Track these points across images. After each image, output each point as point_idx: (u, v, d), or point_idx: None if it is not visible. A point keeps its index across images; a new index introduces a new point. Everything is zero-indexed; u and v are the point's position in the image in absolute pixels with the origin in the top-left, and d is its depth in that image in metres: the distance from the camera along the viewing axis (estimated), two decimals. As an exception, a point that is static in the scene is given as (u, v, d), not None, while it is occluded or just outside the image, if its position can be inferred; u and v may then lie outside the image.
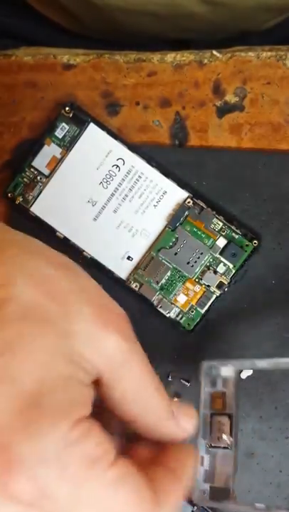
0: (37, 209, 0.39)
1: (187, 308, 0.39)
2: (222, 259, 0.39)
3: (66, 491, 0.20)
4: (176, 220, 0.39)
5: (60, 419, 0.20)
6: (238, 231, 0.39)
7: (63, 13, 0.48)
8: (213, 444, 0.34)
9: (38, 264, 0.22)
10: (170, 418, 0.25)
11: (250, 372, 0.41)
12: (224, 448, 0.34)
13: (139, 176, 0.39)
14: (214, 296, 0.39)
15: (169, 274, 0.39)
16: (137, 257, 0.39)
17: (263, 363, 0.34)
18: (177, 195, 0.39)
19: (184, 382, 0.41)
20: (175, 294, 0.39)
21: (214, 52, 0.40)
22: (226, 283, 0.39)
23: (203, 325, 0.41)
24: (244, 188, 0.40)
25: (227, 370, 0.35)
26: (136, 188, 0.39)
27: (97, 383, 0.23)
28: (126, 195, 0.39)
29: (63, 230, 0.39)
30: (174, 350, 0.41)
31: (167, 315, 0.39)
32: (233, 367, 0.36)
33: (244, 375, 0.41)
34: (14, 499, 0.20)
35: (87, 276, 0.24)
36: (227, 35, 0.47)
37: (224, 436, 0.33)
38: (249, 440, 0.41)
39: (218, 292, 0.39)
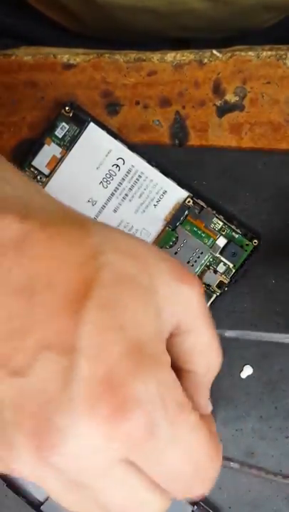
0: None
1: None
2: (222, 258, 0.39)
3: (166, 432, 0.21)
4: (176, 219, 0.39)
5: (161, 364, 0.22)
6: (238, 230, 0.39)
7: (63, 12, 0.48)
8: None
9: (117, 235, 0.25)
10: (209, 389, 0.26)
11: (250, 371, 0.41)
12: None
13: (139, 176, 0.39)
14: (214, 296, 0.39)
15: None
16: None
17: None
18: (177, 194, 0.39)
19: (184, 381, 0.41)
20: None
21: (214, 51, 0.40)
22: (226, 282, 0.39)
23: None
24: (244, 188, 0.40)
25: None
26: (136, 187, 0.39)
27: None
28: (126, 195, 0.39)
29: None
30: (174, 349, 0.41)
31: None
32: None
33: (244, 374, 0.41)
34: (125, 436, 0.20)
35: (157, 247, 0.26)
36: (227, 34, 0.47)
37: None
38: (249, 440, 0.41)
39: (218, 292, 0.39)
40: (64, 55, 0.41)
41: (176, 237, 0.39)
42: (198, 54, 0.40)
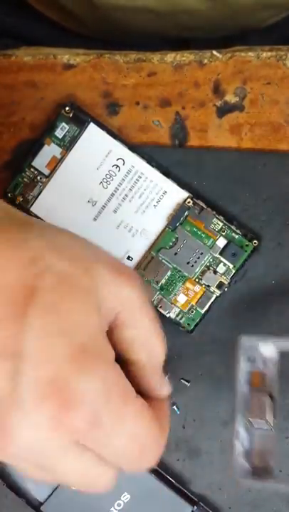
0: (37, 209, 0.39)
1: (187, 309, 0.39)
2: (222, 259, 0.39)
3: (110, 422, 0.24)
4: (176, 220, 0.39)
5: (103, 361, 0.24)
6: (238, 231, 0.39)
7: (63, 13, 0.48)
8: (252, 422, 0.34)
9: (57, 236, 0.26)
10: (161, 373, 0.29)
11: (250, 372, 0.41)
12: (265, 429, 0.34)
13: (139, 176, 0.39)
14: (214, 296, 0.39)
15: (169, 274, 0.39)
16: (137, 257, 0.39)
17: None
18: (177, 195, 0.39)
19: (184, 382, 0.41)
20: (175, 294, 0.39)
21: (214, 52, 0.40)
22: (226, 283, 0.39)
23: (203, 325, 0.41)
24: (244, 188, 0.40)
25: (267, 349, 0.35)
26: (136, 188, 0.39)
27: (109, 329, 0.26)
28: (126, 195, 0.39)
29: None
30: (174, 350, 0.41)
31: (167, 315, 0.39)
32: (274, 346, 0.35)
33: (244, 375, 0.41)
34: (70, 429, 0.23)
35: (96, 245, 0.28)
36: (227, 33, 0.47)
37: (267, 416, 0.33)
38: (249, 440, 0.41)
39: (218, 292, 0.39)
40: (64, 56, 0.41)
41: (176, 238, 0.39)
42: (198, 54, 0.40)
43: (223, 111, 0.40)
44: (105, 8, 0.44)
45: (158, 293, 0.39)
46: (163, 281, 0.39)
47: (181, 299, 0.39)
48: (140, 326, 0.27)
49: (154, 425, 0.26)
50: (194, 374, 0.41)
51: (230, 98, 0.40)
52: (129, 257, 0.39)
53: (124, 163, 0.39)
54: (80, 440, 0.24)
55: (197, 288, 0.39)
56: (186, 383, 0.41)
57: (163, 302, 0.39)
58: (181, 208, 0.39)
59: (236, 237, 0.39)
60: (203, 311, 0.39)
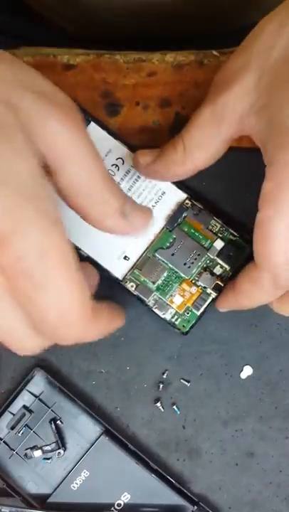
0: None
1: (183, 310, 0.39)
2: (219, 261, 0.39)
3: (40, 275, 0.23)
4: (174, 220, 0.39)
5: (41, 216, 0.23)
6: (235, 234, 0.39)
7: (58, 14, 0.48)
8: None
9: None
10: (117, 215, 0.28)
11: (250, 372, 0.41)
12: None
13: (138, 176, 0.39)
14: (210, 298, 0.39)
15: (165, 274, 0.39)
16: (133, 257, 0.39)
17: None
18: (176, 195, 0.39)
19: (184, 382, 0.41)
20: (171, 295, 0.39)
21: (214, 52, 0.40)
22: (223, 285, 0.39)
23: (203, 324, 0.41)
24: (244, 188, 0.40)
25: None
26: (134, 188, 0.39)
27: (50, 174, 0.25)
28: None
29: None
30: (174, 350, 0.41)
31: (162, 316, 0.39)
32: None
33: (244, 374, 0.41)
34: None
35: (28, 67, 0.25)
36: (223, 32, 0.47)
37: None
38: (249, 440, 0.41)
39: (214, 294, 0.39)
40: (64, 56, 0.41)
41: (174, 238, 0.39)
42: (198, 54, 0.40)
43: (223, 111, 0.40)
44: (90, 10, 0.44)
45: (154, 293, 0.39)
46: (159, 281, 0.39)
47: (177, 300, 0.39)
48: (72, 167, 0.25)
49: (83, 300, 0.25)
50: (194, 374, 0.41)
51: (230, 98, 0.40)
52: (125, 257, 0.39)
53: (123, 163, 0.39)
54: (10, 292, 0.24)
55: (193, 289, 0.39)
56: (186, 383, 0.41)
57: (159, 303, 0.39)
58: (180, 208, 0.39)
59: (234, 239, 0.39)
60: (198, 313, 0.39)
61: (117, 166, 0.39)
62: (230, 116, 0.31)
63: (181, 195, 0.39)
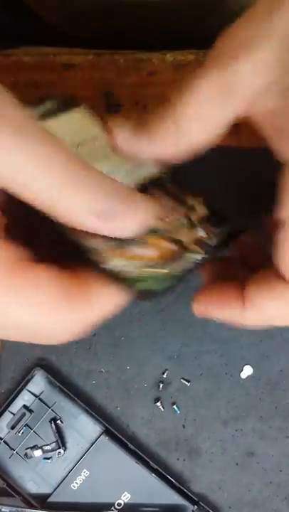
0: None
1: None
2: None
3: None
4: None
5: None
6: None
7: (57, 16, 0.48)
8: None
9: None
10: (90, 216, 0.22)
11: (250, 371, 0.41)
12: None
13: None
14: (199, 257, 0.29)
15: None
16: None
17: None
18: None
19: (184, 382, 0.41)
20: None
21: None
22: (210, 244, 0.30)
23: (202, 325, 0.41)
24: (243, 188, 0.40)
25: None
26: None
27: None
28: None
29: None
30: (174, 350, 0.41)
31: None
32: None
33: (244, 374, 0.41)
34: None
35: None
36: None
37: None
38: (249, 440, 0.41)
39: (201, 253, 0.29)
40: (64, 55, 0.41)
41: None
42: (198, 54, 0.40)
43: (223, 111, 0.40)
44: (88, 10, 0.44)
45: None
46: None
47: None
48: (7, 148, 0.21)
49: (39, 297, 0.23)
50: (194, 374, 0.41)
51: (230, 98, 0.40)
52: None
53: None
54: None
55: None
56: (186, 383, 0.41)
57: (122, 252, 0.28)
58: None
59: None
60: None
61: None
62: (243, 90, 0.24)
63: None
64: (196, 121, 0.25)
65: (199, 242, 0.29)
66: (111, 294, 0.25)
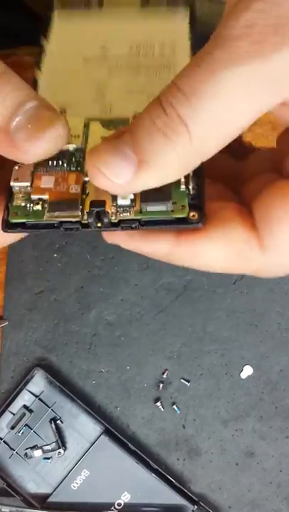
0: None
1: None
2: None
3: None
4: None
5: None
6: None
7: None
8: None
9: None
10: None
11: (250, 371, 0.41)
12: None
13: None
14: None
15: None
16: None
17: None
18: None
19: (184, 382, 0.41)
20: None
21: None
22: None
23: (202, 325, 0.41)
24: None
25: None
26: None
27: None
28: None
29: None
30: (174, 349, 0.41)
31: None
32: None
33: (244, 374, 0.41)
34: None
35: None
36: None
37: None
38: (249, 440, 0.41)
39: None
40: (64, 55, 0.41)
41: None
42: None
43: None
44: None
45: None
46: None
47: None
48: None
49: None
50: (194, 374, 0.41)
51: (230, 98, 0.40)
52: None
53: None
54: None
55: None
56: (186, 383, 0.41)
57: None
58: None
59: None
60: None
61: None
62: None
63: None
64: (216, 122, 0.20)
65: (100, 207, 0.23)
66: None
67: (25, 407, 0.40)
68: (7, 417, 0.40)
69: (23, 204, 0.23)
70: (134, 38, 0.29)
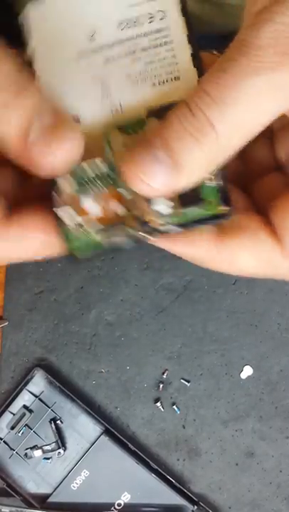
0: None
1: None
2: None
3: None
4: None
5: None
6: None
7: None
8: None
9: None
10: (17, 136, 0.21)
11: (250, 372, 0.41)
12: None
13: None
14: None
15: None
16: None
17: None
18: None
19: (184, 382, 0.41)
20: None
21: (214, 52, 0.40)
22: None
23: (202, 325, 0.41)
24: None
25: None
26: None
27: None
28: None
29: None
30: (174, 349, 0.41)
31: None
32: None
33: (244, 375, 0.41)
34: None
35: None
36: (223, 33, 0.47)
37: None
38: (249, 440, 0.41)
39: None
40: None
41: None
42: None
43: (223, 111, 0.40)
44: None
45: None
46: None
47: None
48: None
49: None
50: (194, 374, 0.41)
51: (231, 98, 0.40)
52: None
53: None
54: None
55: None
56: (186, 383, 0.41)
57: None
58: None
59: None
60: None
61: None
62: None
63: None
64: (240, 126, 0.22)
65: (146, 219, 0.24)
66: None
67: (25, 407, 0.40)
68: (7, 417, 0.40)
69: (76, 232, 0.25)
70: (121, 17, 0.28)
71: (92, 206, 0.25)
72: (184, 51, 0.29)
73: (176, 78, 0.27)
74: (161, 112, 0.24)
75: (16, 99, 0.21)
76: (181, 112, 0.21)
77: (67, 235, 0.25)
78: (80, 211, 0.25)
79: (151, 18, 0.28)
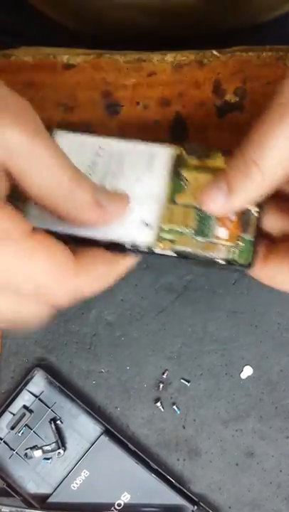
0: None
1: (233, 241, 0.33)
2: None
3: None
4: (176, 167, 0.34)
5: None
6: None
7: (63, 10, 0.48)
8: None
9: None
10: (91, 206, 0.28)
11: (250, 372, 0.41)
12: None
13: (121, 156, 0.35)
14: (253, 214, 0.33)
15: (194, 214, 0.33)
16: (153, 221, 0.34)
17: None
18: (169, 151, 0.35)
19: (184, 382, 0.41)
20: (213, 231, 0.33)
21: (214, 52, 0.40)
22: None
23: (202, 325, 0.41)
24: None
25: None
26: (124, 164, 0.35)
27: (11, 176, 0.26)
28: (115, 174, 0.34)
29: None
30: (174, 350, 0.41)
31: (217, 258, 0.33)
32: None
33: (244, 375, 0.41)
34: None
35: None
36: (224, 31, 0.48)
37: None
38: (249, 440, 0.41)
39: (254, 209, 0.33)
40: (64, 55, 0.41)
41: (184, 180, 0.34)
42: (198, 54, 0.40)
43: (223, 111, 0.40)
44: (96, 6, 0.44)
45: (197, 238, 0.33)
46: (194, 224, 0.33)
47: (222, 233, 0.33)
48: (35, 175, 0.26)
49: (52, 261, 0.26)
50: (194, 374, 0.41)
51: (230, 98, 0.40)
52: (147, 224, 0.33)
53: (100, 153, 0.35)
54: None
55: (231, 215, 0.33)
56: (186, 383, 0.41)
57: (207, 245, 0.33)
58: (177, 159, 0.34)
59: None
60: (250, 237, 0.32)
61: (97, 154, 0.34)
62: None
63: (173, 150, 0.35)
64: (281, 162, 0.29)
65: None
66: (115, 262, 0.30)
67: (25, 407, 0.40)
68: (7, 417, 0.40)
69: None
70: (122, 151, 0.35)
71: (220, 230, 0.33)
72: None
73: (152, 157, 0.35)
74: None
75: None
76: (235, 157, 0.28)
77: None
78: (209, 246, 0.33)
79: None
